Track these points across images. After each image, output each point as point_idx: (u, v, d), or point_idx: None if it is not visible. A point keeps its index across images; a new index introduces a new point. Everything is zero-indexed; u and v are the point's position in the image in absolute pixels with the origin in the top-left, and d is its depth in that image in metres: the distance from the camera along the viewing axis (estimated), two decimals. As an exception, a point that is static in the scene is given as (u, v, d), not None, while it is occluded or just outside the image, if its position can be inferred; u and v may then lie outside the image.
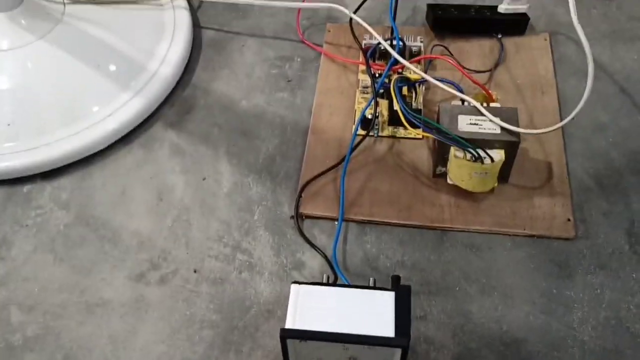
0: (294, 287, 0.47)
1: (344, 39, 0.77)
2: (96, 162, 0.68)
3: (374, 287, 0.48)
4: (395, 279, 0.48)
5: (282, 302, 0.57)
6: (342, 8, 0.74)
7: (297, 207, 0.62)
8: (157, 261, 0.60)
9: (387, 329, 0.44)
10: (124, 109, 0.70)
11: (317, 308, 0.46)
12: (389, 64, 0.68)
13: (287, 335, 0.44)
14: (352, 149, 0.64)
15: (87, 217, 0.64)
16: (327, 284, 0.49)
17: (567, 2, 0.60)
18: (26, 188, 0.67)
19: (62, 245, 0.62)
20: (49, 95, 0.70)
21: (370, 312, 0.45)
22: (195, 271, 0.59)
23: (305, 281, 0.49)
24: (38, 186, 0.67)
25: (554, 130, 0.60)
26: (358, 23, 0.73)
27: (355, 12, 0.74)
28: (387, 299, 0.46)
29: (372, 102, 0.67)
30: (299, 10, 0.81)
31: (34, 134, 0.68)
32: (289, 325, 0.45)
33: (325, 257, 0.58)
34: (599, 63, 0.73)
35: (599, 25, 0.77)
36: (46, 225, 0.64)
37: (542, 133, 0.60)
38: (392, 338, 0.43)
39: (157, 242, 0.62)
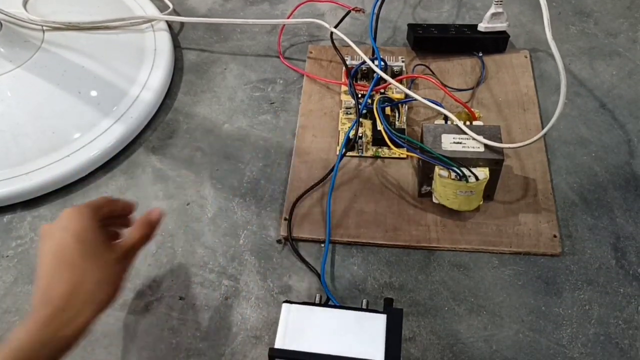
0: (285, 306, 0.46)
1: (326, 60, 0.78)
2: (77, 190, 0.67)
3: (366, 309, 0.47)
4: (388, 302, 0.48)
5: (269, 327, 0.56)
6: (323, 22, 0.75)
7: (289, 229, 0.61)
8: (141, 289, 0.59)
9: (377, 353, 0.43)
10: (106, 135, 0.69)
11: (307, 328, 0.45)
12: (372, 84, 0.68)
13: (276, 355, 0.44)
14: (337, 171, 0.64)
15: (68, 246, 0.63)
16: (319, 304, 0.48)
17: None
18: (6, 218, 0.66)
19: (43, 275, 0.61)
20: (29, 123, 0.70)
21: (361, 335, 0.45)
22: (180, 298, 0.58)
23: (296, 301, 0.48)
24: (18, 216, 0.66)
25: (534, 142, 0.60)
26: (341, 43, 0.73)
27: (336, 27, 0.74)
28: (379, 321, 0.45)
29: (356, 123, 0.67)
30: (281, 30, 0.81)
31: (14, 163, 0.67)
32: (278, 344, 0.44)
33: (318, 275, 0.58)
34: (579, 79, 0.73)
35: (577, 41, 0.78)
36: (27, 255, 0.63)
37: (523, 146, 0.60)
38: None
39: (141, 269, 0.61)
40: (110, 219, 0.51)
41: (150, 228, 0.50)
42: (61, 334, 0.41)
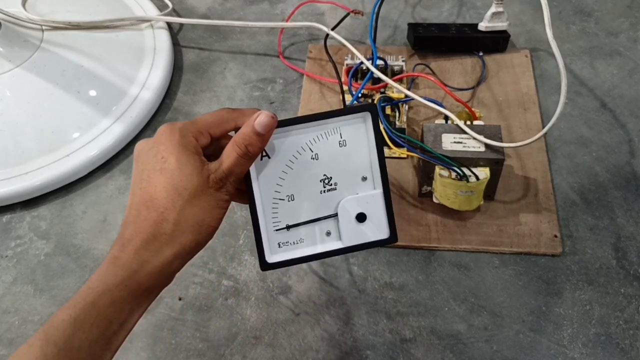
0: None
1: (326, 60, 0.77)
2: (76, 190, 0.67)
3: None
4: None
5: (269, 327, 0.56)
6: (320, 26, 0.74)
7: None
8: (140, 289, 0.59)
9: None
10: (105, 135, 0.69)
11: None
12: (364, 82, 0.68)
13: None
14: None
15: (67, 247, 0.63)
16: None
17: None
18: (5, 218, 0.66)
19: (42, 275, 0.61)
20: (29, 123, 0.69)
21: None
22: (180, 299, 0.58)
23: None
24: (17, 216, 0.66)
25: (534, 141, 0.59)
26: (340, 43, 0.72)
27: (333, 29, 0.74)
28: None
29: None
30: (281, 31, 0.81)
31: (13, 163, 0.67)
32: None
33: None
34: (580, 78, 0.73)
35: (578, 41, 0.78)
36: (26, 255, 0.62)
37: (523, 145, 0.60)
38: (360, 105, 0.40)
39: (140, 269, 0.60)
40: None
41: (250, 142, 0.37)
42: (137, 275, 0.36)
